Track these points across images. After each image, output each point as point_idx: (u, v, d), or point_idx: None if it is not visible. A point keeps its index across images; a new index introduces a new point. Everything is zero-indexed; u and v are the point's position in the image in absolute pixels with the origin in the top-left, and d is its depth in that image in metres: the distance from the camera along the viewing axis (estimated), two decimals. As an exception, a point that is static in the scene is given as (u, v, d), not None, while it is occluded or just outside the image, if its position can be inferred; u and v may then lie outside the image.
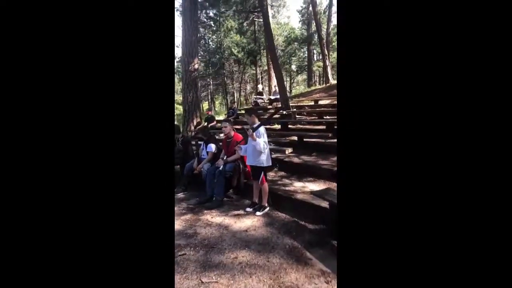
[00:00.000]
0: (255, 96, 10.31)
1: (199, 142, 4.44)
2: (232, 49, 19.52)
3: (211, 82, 22.86)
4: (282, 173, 4.20)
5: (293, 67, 26.00)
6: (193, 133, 7.55)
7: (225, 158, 3.76)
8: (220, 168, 3.62)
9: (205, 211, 3.35)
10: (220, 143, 4.05)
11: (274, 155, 4.37)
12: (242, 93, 24.63)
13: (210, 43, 21.42)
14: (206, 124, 7.54)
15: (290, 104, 7.94)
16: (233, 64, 22.03)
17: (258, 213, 3.15)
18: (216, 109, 23.13)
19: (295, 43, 22.30)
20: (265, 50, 18.44)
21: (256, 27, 18.74)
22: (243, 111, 10.39)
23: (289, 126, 6.45)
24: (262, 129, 3.12)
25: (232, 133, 3.79)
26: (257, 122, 3.21)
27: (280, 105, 8.35)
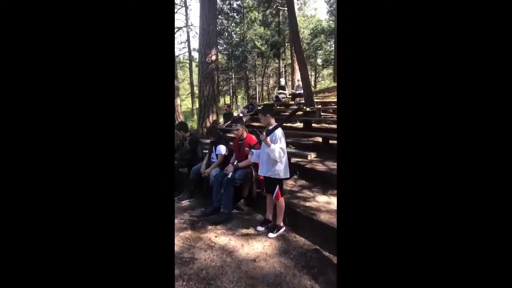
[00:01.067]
0: (277, 91, 9.60)
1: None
2: (256, 42, 18.93)
3: (233, 76, 22.40)
4: (303, 183, 3.58)
5: (319, 61, 24.88)
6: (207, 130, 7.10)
7: (235, 163, 3.20)
8: (229, 176, 3.08)
9: (209, 227, 2.83)
10: (232, 144, 3.49)
11: (294, 160, 3.76)
12: (265, 87, 24.00)
13: (234, 35, 20.89)
14: (224, 121, 7.01)
15: (315, 100, 7.20)
16: (256, 57, 21.45)
17: (271, 234, 2.58)
18: (238, 103, 22.71)
19: (322, 35, 21.19)
20: (289, 43, 17.73)
21: (280, 18, 17.92)
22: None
23: (313, 125, 5.76)
24: (279, 132, 2.52)
25: (245, 134, 3.22)
26: (273, 123, 2.62)
27: (303, 101, 7.66)
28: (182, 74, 24.97)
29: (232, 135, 7.15)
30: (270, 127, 2.57)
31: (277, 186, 2.57)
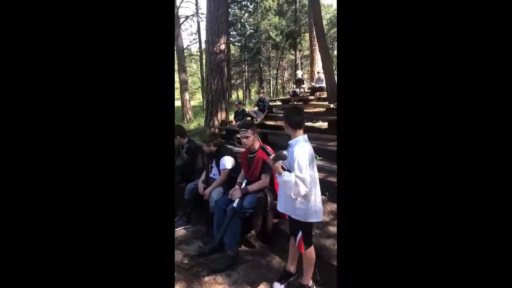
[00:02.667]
0: (293, 86, 8.58)
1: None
2: (270, 32, 17.95)
3: (246, 69, 21.47)
4: (335, 207, 2.67)
5: (336, 52, 23.61)
6: (213, 132, 6.24)
7: (243, 185, 2.34)
8: (235, 204, 2.22)
9: (206, 278, 2.00)
10: (240, 156, 2.62)
11: (321, 175, 2.85)
12: (279, 81, 22.97)
13: (247, 26, 19.91)
14: (235, 120, 6.10)
15: (339, 95, 6.22)
16: (270, 49, 20.47)
17: (295, 301, 1.71)
18: (252, 97, 21.79)
19: (341, 24, 19.87)
20: (306, 34, 16.63)
21: (297, 5, 16.76)
22: (278, 102, 8.83)
23: (339, 125, 4.81)
24: (301, 151, 1.62)
25: (257, 145, 2.35)
26: (298, 136, 1.72)
27: (324, 95, 6.67)
28: (195, 68, 24.19)
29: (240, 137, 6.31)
30: (292, 143, 1.69)
31: (300, 232, 1.69)
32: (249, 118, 6.20)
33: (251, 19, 19.24)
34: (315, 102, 7.02)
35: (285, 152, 1.58)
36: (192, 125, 8.04)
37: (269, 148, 2.29)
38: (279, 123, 6.23)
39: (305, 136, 1.72)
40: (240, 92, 24.21)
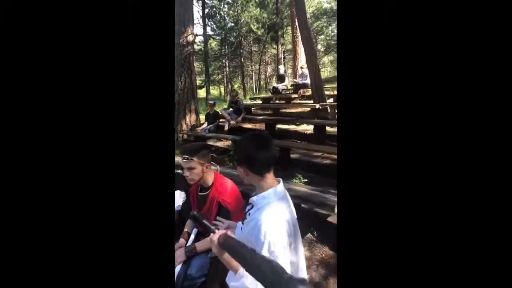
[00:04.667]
0: (276, 82, 7.78)
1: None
2: (251, 25, 17.11)
3: (227, 64, 20.50)
4: (326, 253, 1.94)
5: (319, 46, 22.96)
6: (182, 138, 5.35)
7: (191, 238, 1.55)
8: (177, 271, 1.44)
9: None
10: (189, 192, 1.81)
11: (306, 205, 2.12)
12: (262, 76, 22.19)
13: (226, 18, 18.93)
14: (207, 124, 5.21)
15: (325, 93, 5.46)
16: (252, 43, 19.63)
17: None
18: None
19: (324, 17, 19.25)
20: (289, 27, 15.91)
21: (279, -4, 15.97)
22: (259, 101, 8.01)
23: (328, 129, 4.09)
24: (274, 215, 0.88)
25: (210, 177, 1.57)
26: (267, 185, 0.95)
27: (309, 93, 5.95)
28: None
29: (212, 142, 5.33)
30: (255, 202, 0.94)
31: None
32: (222, 120, 5.38)
33: (231, 11, 18.28)
34: (298, 101, 6.29)
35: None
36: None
37: (225, 185, 1.51)
38: (258, 126, 5.45)
39: (280, 186, 0.96)
40: (222, 88, 23.24)
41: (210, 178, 1.56)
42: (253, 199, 0.94)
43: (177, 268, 1.45)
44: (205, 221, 0.98)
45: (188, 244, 1.51)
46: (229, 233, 0.89)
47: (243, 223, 1.00)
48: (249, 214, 0.94)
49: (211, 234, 0.90)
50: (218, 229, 0.95)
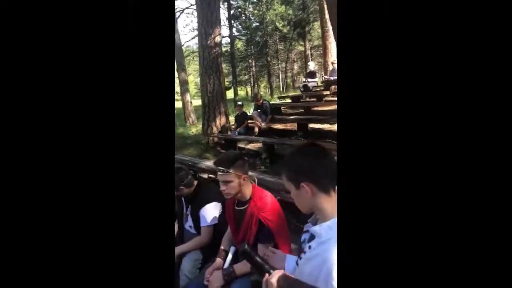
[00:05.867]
0: (306, 80, 7.45)
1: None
2: (277, 23, 16.83)
3: (253, 64, 20.41)
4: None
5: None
6: (213, 140, 5.27)
7: (228, 258, 1.39)
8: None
9: None
10: (225, 206, 1.65)
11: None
12: (289, 74, 21.81)
13: (251, 18, 18.82)
14: (236, 126, 5.07)
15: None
16: (277, 41, 19.34)
17: None
18: (261, 93, 20.71)
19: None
20: (316, 22, 15.41)
21: (305, -9, 15.54)
22: (288, 100, 7.75)
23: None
24: None
25: (248, 190, 1.39)
26: (329, 210, 0.75)
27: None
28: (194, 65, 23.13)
29: (243, 145, 5.15)
30: (316, 232, 0.76)
31: None
32: (252, 122, 5.22)
33: (256, 11, 18.13)
34: (330, 98, 5.96)
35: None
36: (193, 130, 7.12)
37: (265, 200, 1.34)
38: (289, 126, 5.22)
39: None
40: (249, 89, 23.22)
41: (248, 191, 1.38)
42: (315, 229, 0.75)
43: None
44: (257, 258, 0.81)
45: (225, 266, 1.35)
46: (286, 272, 0.73)
47: (299, 257, 0.80)
48: (310, 247, 0.76)
49: (266, 274, 0.74)
50: (274, 269, 0.78)
